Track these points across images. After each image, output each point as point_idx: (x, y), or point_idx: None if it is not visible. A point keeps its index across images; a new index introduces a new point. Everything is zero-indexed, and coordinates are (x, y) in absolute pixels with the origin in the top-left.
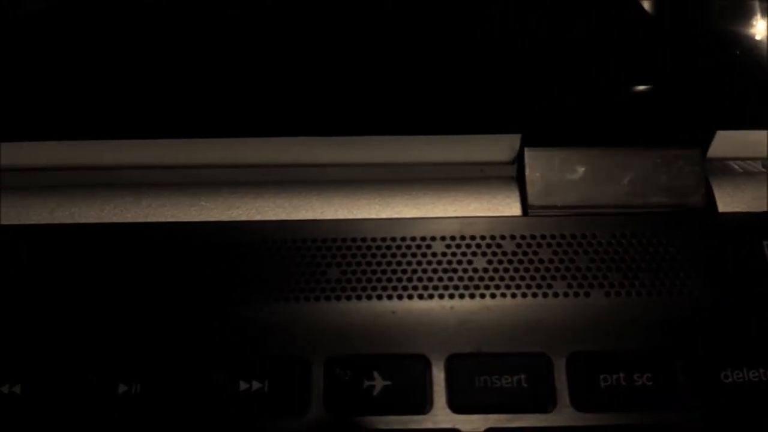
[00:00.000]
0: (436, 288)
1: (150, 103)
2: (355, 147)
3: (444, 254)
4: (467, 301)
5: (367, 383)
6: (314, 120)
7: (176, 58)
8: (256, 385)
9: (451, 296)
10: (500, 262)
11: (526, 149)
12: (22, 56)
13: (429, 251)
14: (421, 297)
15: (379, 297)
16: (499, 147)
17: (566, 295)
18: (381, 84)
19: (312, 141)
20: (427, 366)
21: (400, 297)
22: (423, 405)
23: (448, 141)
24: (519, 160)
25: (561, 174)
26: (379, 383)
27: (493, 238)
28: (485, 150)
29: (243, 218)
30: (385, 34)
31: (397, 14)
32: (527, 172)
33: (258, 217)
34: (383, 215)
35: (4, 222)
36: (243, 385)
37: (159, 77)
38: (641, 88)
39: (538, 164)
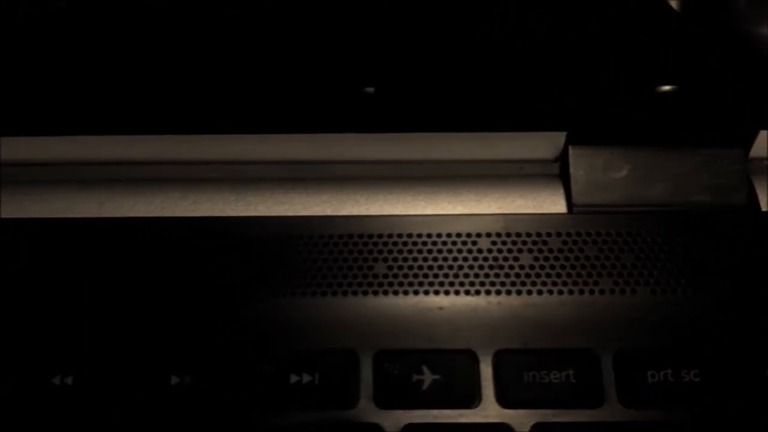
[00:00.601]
0: (482, 284)
1: (190, 99)
2: (401, 144)
3: (490, 251)
4: (514, 297)
5: (416, 377)
6: (361, 117)
7: (205, 50)
8: (306, 377)
9: (498, 292)
10: (546, 259)
11: (570, 147)
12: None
13: (475, 247)
14: (467, 293)
15: (426, 292)
16: (542, 144)
17: (612, 292)
18: (427, 81)
19: (358, 138)
20: (475, 361)
21: (447, 293)
22: (472, 399)
23: (491, 138)
24: (563, 158)
25: (605, 172)
26: (428, 378)
27: (539, 235)
28: (529, 147)
29: (290, 214)
30: (432, 31)
31: (447, 11)
32: (572, 170)
33: (304, 213)
34: (429, 211)
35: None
36: (293, 378)
37: (199, 71)
38: (685, 87)
39: (582, 162)
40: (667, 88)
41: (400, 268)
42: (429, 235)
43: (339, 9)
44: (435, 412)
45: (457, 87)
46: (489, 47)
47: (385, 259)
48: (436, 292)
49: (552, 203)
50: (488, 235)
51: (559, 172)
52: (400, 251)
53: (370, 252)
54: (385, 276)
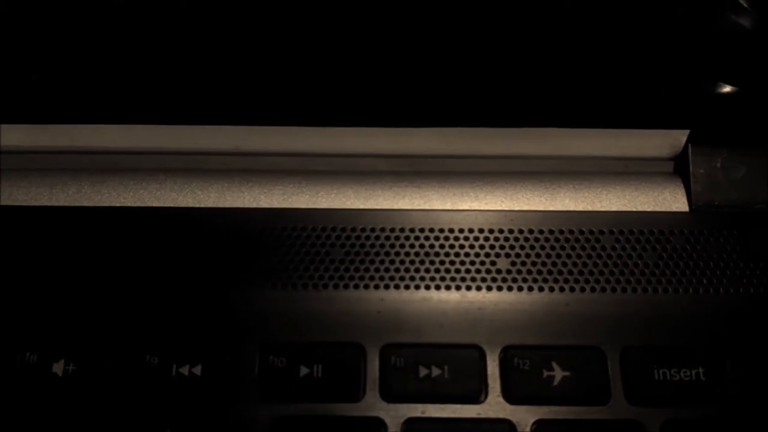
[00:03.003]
0: (608, 281)
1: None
2: (521, 138)
3: (614, 248)
4: (640, 294)
5: (546, 373)
6: (488, 112)
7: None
8: (435, 371)
9: (624, 290)
10: (671, 257)
11: (691, 146)
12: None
13: (598, 245)
14: (593, 290)
15: (551, 289)
16: (658, 142)
17: (737, 291)
18: (548, 76)
19: (488, 132)
20: (603, 357)
21: (572, 289)
22: (602, 396)
23: (598, 135)
24: (683, 157)
25: (724, 172)
26: (558, 374)
27: (661, 233)
28: (642, 145)
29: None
30: (556, 24)
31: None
32: (692, 168)
33: (450, 206)
34: (551, 207)
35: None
36: (429, 371)
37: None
38: None
39: (702, 161)
40: None
41: (523, 263)
42: (551, 231)
43: None
44: (567, 408)
45: (582, 82)
46: (619, 48)
47: (507, 255)
48: (562, 289)
49: (671, 201)
50: (611, 232)
51: (673, 170)
52: (522, 247)
53: (492, 247)
54: (509, 272)
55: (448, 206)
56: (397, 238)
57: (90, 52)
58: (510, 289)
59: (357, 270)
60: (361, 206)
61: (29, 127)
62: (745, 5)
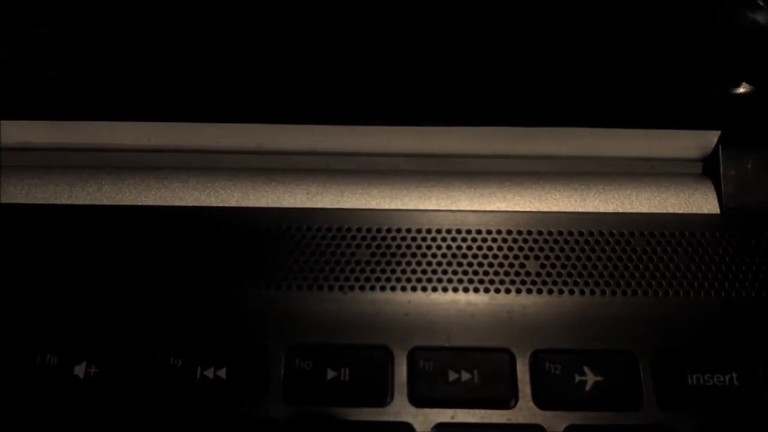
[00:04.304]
0: (639, 284)
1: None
2: (550, 138)
3: (645, 251)
4: (672, 297)
5: (578, 378)
6: (516, 111)
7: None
8: (465, 375)
9: (656, 293)
10: (702, 259)
11: (722, 147)
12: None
13: (629, 247)
14: (624, 293)
15: (582, 292)
16: (688, 143)
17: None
18: (578, 76)
19: (516, 132)
20: (634, 361)
21: (603, 292)
22: (634, 401)
23: (623, 135)
24: (713, 159)
25: (754, 174)
26: (590, 378)
27: (693, 235)
28: (671, 145)
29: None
30: (587, 25)
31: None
32: (722, 170)
33: (478, 207)
34: (580, 209)
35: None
36: (459, 376)
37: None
38: None
39: (732, 163)
40: None
41: (553, 266)
42: (581, 234)
43: None
44: (599, 414)
45: (617, 84)
46: (656, 49)
47: (537, 257)
48: (593, 292)
49: (702, 203)
50: (642, 234)
51: (701, 171)
52: (552, 249)
53: (521, 249)
54: (538, 274)
55: (476, 207)
56: (423, 239)
57: (114, 49)
58: (540, 291)
59: (383, 271)
60: (387, 206)
61: (49, 124)
62: None
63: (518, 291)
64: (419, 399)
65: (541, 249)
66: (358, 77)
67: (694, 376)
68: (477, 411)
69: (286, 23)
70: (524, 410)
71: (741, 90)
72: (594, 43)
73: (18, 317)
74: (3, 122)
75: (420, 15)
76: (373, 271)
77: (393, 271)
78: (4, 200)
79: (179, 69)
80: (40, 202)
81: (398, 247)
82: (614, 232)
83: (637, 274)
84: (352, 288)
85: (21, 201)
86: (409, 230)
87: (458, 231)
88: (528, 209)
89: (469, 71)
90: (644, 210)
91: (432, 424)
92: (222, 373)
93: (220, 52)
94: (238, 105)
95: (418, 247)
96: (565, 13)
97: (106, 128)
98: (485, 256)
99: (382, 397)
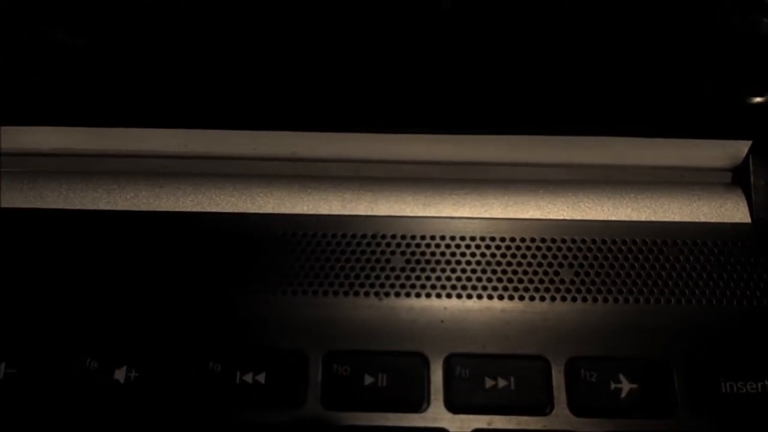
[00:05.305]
0: (673, 293)
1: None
2: (583, 147)
3: (678, 259)
4: (705, 306)
5: (614, 386)
6: (549, 120)
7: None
8: (501, 382)
9: (689, 301)
10: (734, 269)
11: (752, 157)
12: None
13: (662, 256)
14: (658, 301)
15: (616, 300)
16: (719, 153)
17: None
18: (611, 85)
19: (549, 141)
20: (668, 370)
21: (636, 300)
22: (668, 409)
23: (667, 144)
24: (743, 168)
25: None
26: (625, 386)
27: (725, 244)
28: (702, 155)
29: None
30: (619, 35)
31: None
32: (753, 179)
33: (512, 215)
34: (613, 217)
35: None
36: (495, 383)
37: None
38: None
39: (763, 173)
40: None
41: (587, 274)
42: (614, 242)
43: None
44: (633, 421)
45: (645, 93)
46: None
47: (571, 265)
48: (626, 300)
49: (733, 212)
50: (675, 243)
51: (731, 181)
52: (585, 257)
53: (555, 257)
54: (572, 282)
55: (509, 215)
56: (458, 246)
57: (154, 57)
58: (574, 299)
59: (419, 278)
60: (422, 214)
61: (89, 130)
62: None
63: (552, 299)
64: (456, 405)
65: (575, 257)
66: (393, 86)
67: (727, 384)
68: (513, 417)
69: (323, 33)
70: (560, 417)
71: None
72: (626, 54)
73: (59, 322)
74: (42, 128)
75: (455, 26)
76: (408, 277)
77: (428, 278)
78: (42, 205)
79: (217, 77)
80: (78, 207)
81: (433, 254)
82: (647, 240)
83: (670, 283)
84: (387, 294)
85: (60, 206)
86: (443, 237)
87: (492, 238)
88: (561, 217)
89: (504, 80)
90: (676, 219)
91: (469, 430)
92: (261, 378)
93: (258, 61)
94: (273, 113)
95: (453, 254)
96: (601, 23)
97: (145, 135)
98: (519, 264)
99: (418, 403)
